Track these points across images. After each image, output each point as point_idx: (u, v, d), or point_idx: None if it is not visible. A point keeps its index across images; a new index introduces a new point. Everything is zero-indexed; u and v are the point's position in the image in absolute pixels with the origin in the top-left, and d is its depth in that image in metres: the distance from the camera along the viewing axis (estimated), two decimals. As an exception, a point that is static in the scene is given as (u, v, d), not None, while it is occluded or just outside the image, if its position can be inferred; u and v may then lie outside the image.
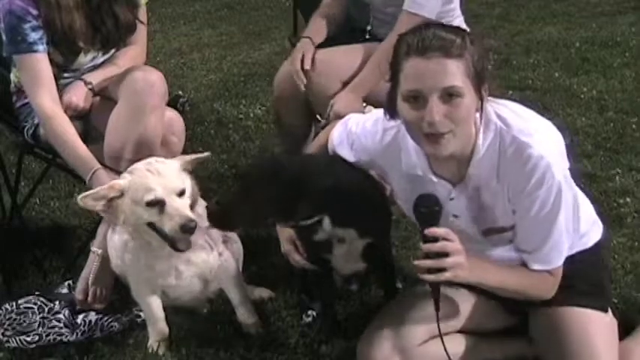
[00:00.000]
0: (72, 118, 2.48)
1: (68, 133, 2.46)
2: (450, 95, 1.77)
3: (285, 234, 2.24)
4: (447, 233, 1.81)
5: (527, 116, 1.93)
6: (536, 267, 1.95)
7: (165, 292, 2.32)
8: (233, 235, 2.46)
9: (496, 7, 6.67)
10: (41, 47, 2.48)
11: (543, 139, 1.86)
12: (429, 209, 1.83)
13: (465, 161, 1.91)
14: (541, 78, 4.74)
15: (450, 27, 1.89)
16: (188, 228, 2.03)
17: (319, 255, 2.18)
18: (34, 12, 2.47)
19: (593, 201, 2.92)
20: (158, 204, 2.05)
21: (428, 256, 1.79)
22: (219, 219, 2.04)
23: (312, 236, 2.11)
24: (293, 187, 1.95)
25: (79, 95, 2.52)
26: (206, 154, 2.30)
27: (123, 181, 2.08)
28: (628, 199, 3.14)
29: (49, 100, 2.48)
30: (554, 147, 1.88)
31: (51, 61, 2.54)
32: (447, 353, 1.94)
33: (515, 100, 2.00)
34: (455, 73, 1.76)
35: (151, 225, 2.10)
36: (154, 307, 2.33)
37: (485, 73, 1.84)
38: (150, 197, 2.04)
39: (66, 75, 2.63)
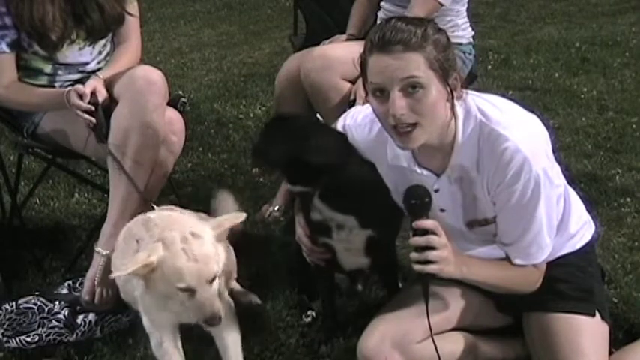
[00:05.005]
0: (95, 111, 2.44)
1: (29, 88, 2.59)
2: (413, 87, 1.78)
3: (299, 217, 2.24)
4: (435, 226, 1.83)
5: (508, 110, 1.94)
6: (518, 262, 1.97)
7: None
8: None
9: (496, 7, 6.69)
10: (2, 46, 2.53)
11: (521, 133, 1.87)
12: (419, 200, 1.86)
13: (447, 152, 1.92)
14: (541, 78, 4.75)
15: (412, 19, 1.90)
16: (212, 322, 1.97)
17: (318, 236, 2.18)
18: (2, 9, 2.49)
19: (593, 201, 2.92)
20: (189, 290, 1.96)
21: (417, 248, 1.83)
22: (255, 162, 2.25)
23: (308, 214, 2.14)
24: (297, 148, 2.01)
25: (99, 85, 2.50)
26: (242, 216, 2.13)
27: (155, 256, 1.94)
28: (628, 199, 3.14)
29: (1, 87, 2.56)
30: (533, 141, 1.88)
31: (35, 53, 2.58)
32: (436, 348, 1.94)
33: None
34: (416, 65, 1.78)
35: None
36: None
37: (452, 63, 1.84)
38: (181, 285, 1.94)
39: (60, 72, 2.64)
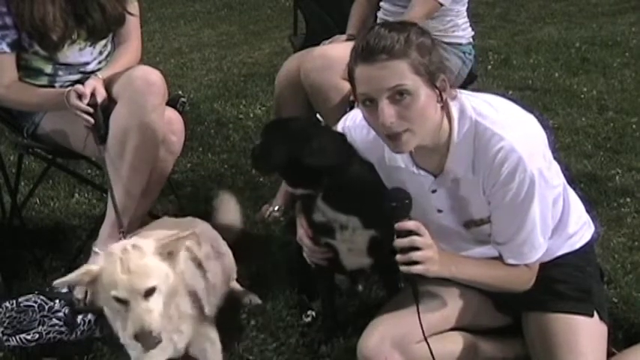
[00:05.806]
0: (94, 111, 2.44)
1: (29, 88, 2.59)
2: (401, 95, 1.78)
3: (300, 218, 2.24)
4: (417, 227, 1.84)
5: (504, 110, 1.94)
6: (511, 262, 1.97)
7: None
8: (223, 248, 2.43)
9: (496, 7, 6.70)
10: (2, 46, 2.53)
11: (517, 133, 1.86)
12: (400, 203, 1.86)
13: (443, 152, 1.92)
14: (541, 78, 4.75)
15: (395, 25, 1.89)
16: (142, 339, 1.89)
17: (321, 236, 2.18)
18: (3, 9, 2.50)
19: (593, 201, 2.92)
20: (123, 302, 1.92)
21: (401, 250, 1.84)
22: (256, 165, 2.23)
23: (311, 215, 2.14)
24: (298, 151, 2.02)
25: (98, 85, 2.50)
26: (184, 234, 2.04)
27: (96, 266, 1.95)
28: (628, 199, 3.14)
29: (1, 87, 2.56)
30: (528, 141, 1.88)
31: (36, 53, 2.58)
32: (431, 350, 1.94)
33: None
34: (401, 72, 1.78)
35: None
36: None
37: (438, 65, 1.83)
38: (114, 293, 1.91)
39: (61, 72, 2.64)
